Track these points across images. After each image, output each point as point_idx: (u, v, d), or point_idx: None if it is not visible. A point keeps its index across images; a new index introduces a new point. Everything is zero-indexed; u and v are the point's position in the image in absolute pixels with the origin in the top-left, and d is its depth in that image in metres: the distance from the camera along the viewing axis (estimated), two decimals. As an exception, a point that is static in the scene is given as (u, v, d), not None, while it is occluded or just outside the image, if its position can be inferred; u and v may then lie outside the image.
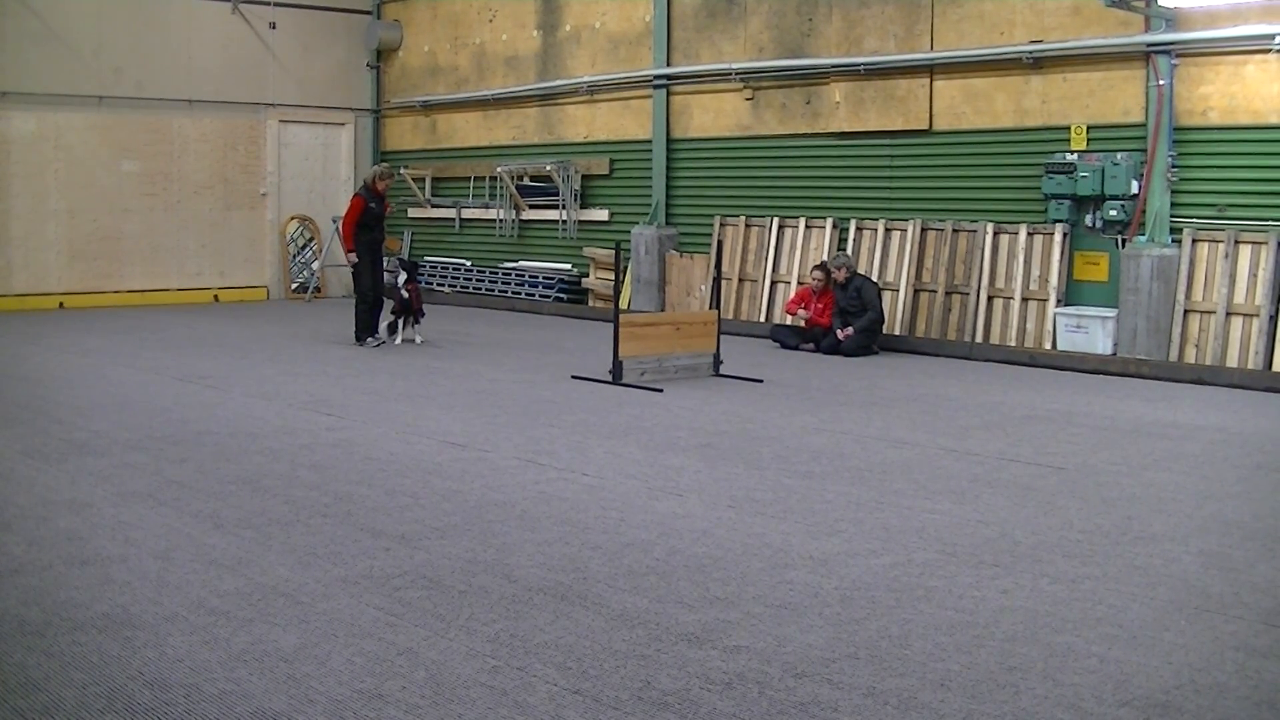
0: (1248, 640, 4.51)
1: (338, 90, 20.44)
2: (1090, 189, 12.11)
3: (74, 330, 14.68)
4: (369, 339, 13.12)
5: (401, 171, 19.98)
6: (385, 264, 13.77)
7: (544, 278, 17.76)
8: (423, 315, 13.61)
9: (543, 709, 3.81)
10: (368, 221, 13.17)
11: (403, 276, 13.16)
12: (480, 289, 18.66)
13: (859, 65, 14.01)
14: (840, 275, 13.07)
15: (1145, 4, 11.62)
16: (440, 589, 4.97)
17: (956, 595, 4.98)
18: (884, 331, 13.32)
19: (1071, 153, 12.38)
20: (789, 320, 14.02)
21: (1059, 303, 12.51)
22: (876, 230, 14.06)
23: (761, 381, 10.92)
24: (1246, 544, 5.81)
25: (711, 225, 15.74)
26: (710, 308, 13.84)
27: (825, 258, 14.12)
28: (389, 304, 13.52)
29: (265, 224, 19.66)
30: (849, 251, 14.05)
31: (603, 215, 17.27)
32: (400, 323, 13.38)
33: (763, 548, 5.63)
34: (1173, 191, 11.80)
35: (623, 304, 14.39)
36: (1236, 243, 11.43)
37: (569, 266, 17.64)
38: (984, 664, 4.23)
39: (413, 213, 20.21)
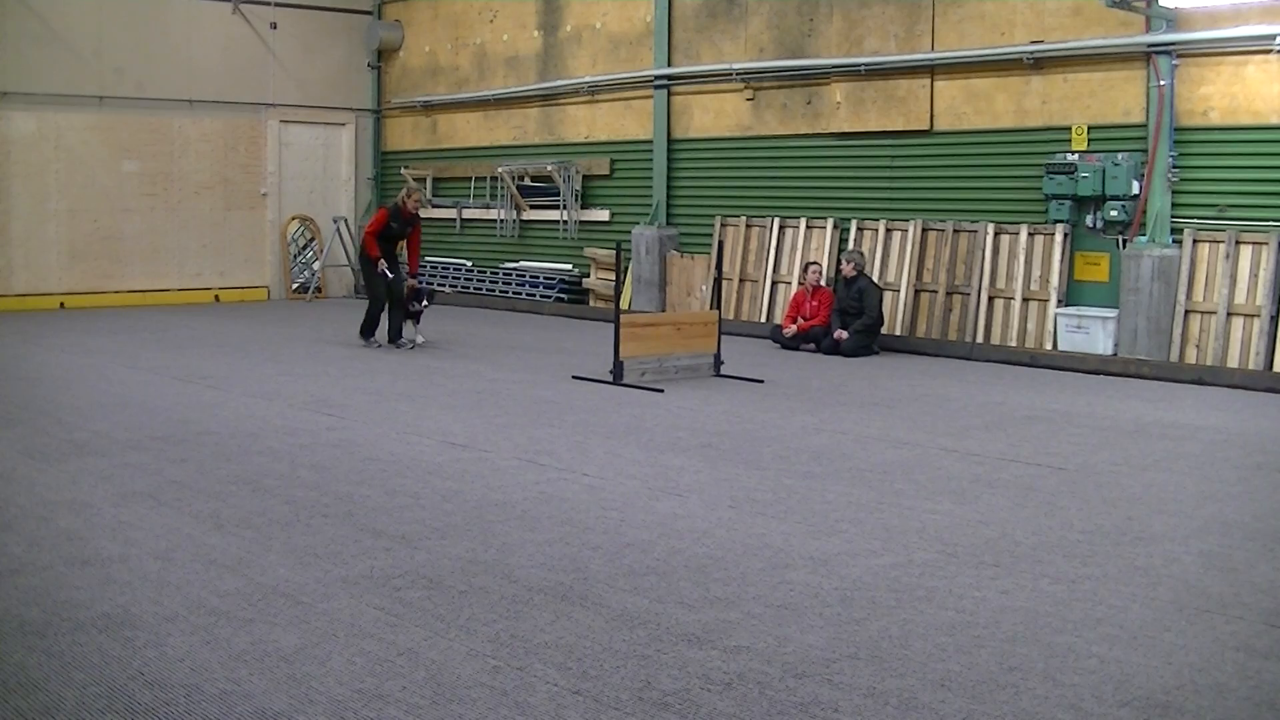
0: (1248, 641, 4.51)
1: (338, 90, 20.44)
2: (1091, 189, 12.11)
3: (74, 330, 14.68)
4: (371, 339, 13.15)
5: (402, 172, 20.03)
6: (401, 274, 13.68)
7: (545, 278, 17.76)
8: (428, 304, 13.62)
9: (543, 709, 3.81)
10: (388, 236, 13.26)
11: (425, 302, 13.25)
12: (481, 289, 18.66)
13: (860, 65, 14.01)
14: (848, 270, 13.05)
15: (1146, 4, 11.62)
16: (441, 589, 4.97)
17: (957, 595, 4.98)
18: (884, 332, 13.33)
19: (1072, 153, 12.38)
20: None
21: (1059, 303, 12.50)
22: (877, 230, 14.05)
23: (762, 382, 10.92)
24: (1247, 544, 5.81)
25: (712, 225, 15.74)
26: (711, 308, 13.84)
27: (824, 258, 14.13)
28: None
29: (266, 224, 19.65)
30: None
31: (603, 215, 17.26)
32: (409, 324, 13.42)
33: (763, 548, 5.63)
34: (1173, 192, 11.80)
35: (623, 304, 14.39)
36: (1237, 243, 11.43)
37: (570, 267, 17.63)
38: (984, 664, 4.23)
39: (413, 213, 20.19)
